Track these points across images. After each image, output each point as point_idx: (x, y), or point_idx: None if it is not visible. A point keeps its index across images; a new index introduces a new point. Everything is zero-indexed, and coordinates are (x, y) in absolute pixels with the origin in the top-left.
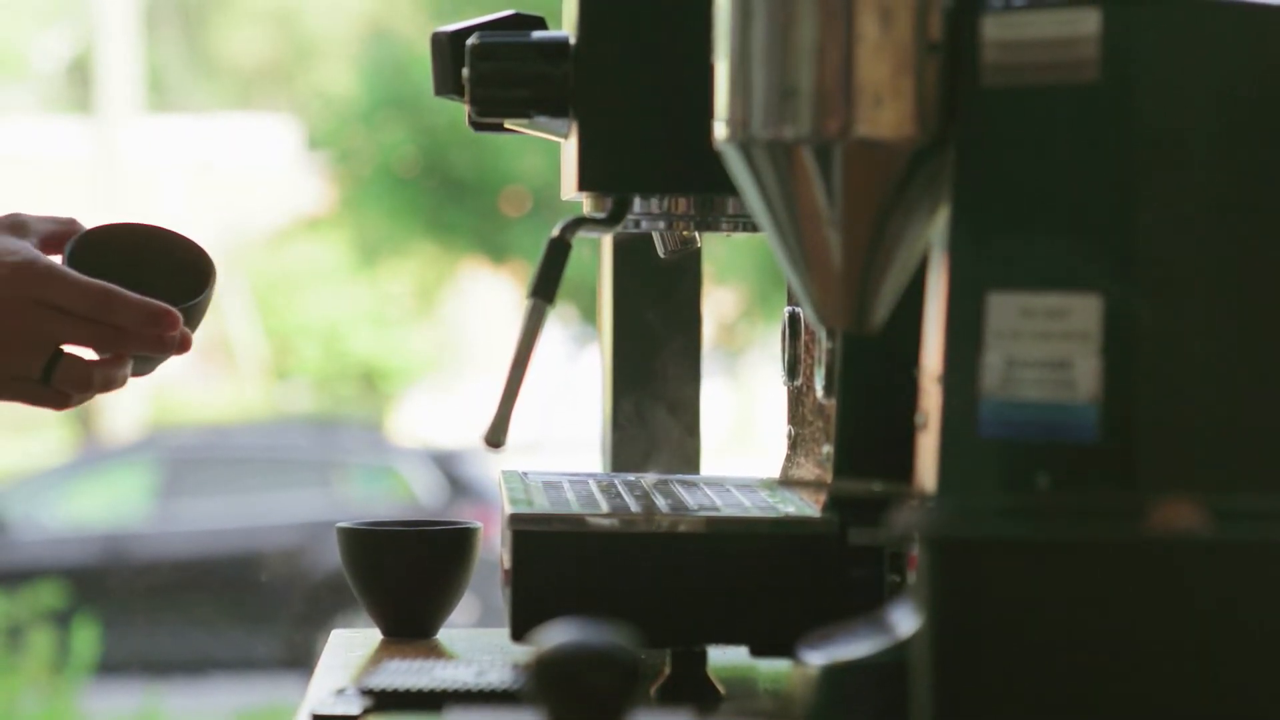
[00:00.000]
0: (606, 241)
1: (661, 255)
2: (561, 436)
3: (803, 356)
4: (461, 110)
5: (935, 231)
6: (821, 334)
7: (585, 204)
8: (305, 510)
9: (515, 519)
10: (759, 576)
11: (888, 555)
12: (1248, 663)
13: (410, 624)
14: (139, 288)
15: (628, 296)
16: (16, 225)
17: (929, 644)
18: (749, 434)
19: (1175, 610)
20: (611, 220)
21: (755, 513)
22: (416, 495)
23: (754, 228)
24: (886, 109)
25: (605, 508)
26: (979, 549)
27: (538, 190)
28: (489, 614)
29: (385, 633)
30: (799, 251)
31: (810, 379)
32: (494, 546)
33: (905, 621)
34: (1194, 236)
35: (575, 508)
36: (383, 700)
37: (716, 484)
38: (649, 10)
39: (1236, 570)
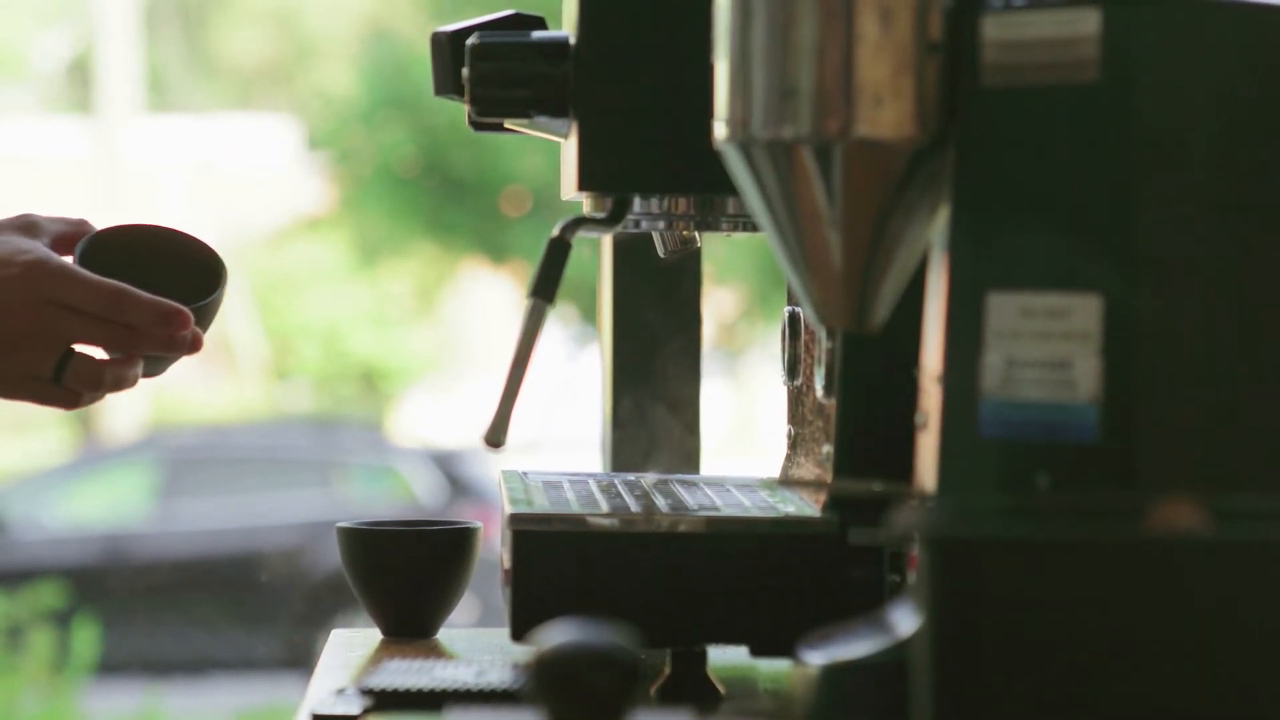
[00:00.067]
0: (606, 241)
1: (661, 255)
2: (561, 436)
3: (803, 356)
4: (461, 110)
5: (935, 231)
6: (821, 334)
7: (585, 204)
8: (305, 510)
9: (515, 519)
10: (759, 576)
11: (888, 555)
12: (1248, 663)
13: (410, 624)
14: (150, 288)
15: (628, 296)
16: (28, 226)
17: (929, 644)
18: (749, 434)
19: (1175, 610)
20: (611, 220)
21: (755, 513)
22: (416, 495)
23: (754, 228)
24: (886, 109)
25: (605, 508)
26: (979, 549)
27: (538, 190)
28: (489, 614)
29: (385, 633)
30: (799, 251)
31: (810, 379)
32: (494, 546)
33: (905, 621)
34: (1194, 236)
35: (575, 508)
36: (383, 700)
37: (716, 484)
38: (649, 10)
39: (1236, 570)
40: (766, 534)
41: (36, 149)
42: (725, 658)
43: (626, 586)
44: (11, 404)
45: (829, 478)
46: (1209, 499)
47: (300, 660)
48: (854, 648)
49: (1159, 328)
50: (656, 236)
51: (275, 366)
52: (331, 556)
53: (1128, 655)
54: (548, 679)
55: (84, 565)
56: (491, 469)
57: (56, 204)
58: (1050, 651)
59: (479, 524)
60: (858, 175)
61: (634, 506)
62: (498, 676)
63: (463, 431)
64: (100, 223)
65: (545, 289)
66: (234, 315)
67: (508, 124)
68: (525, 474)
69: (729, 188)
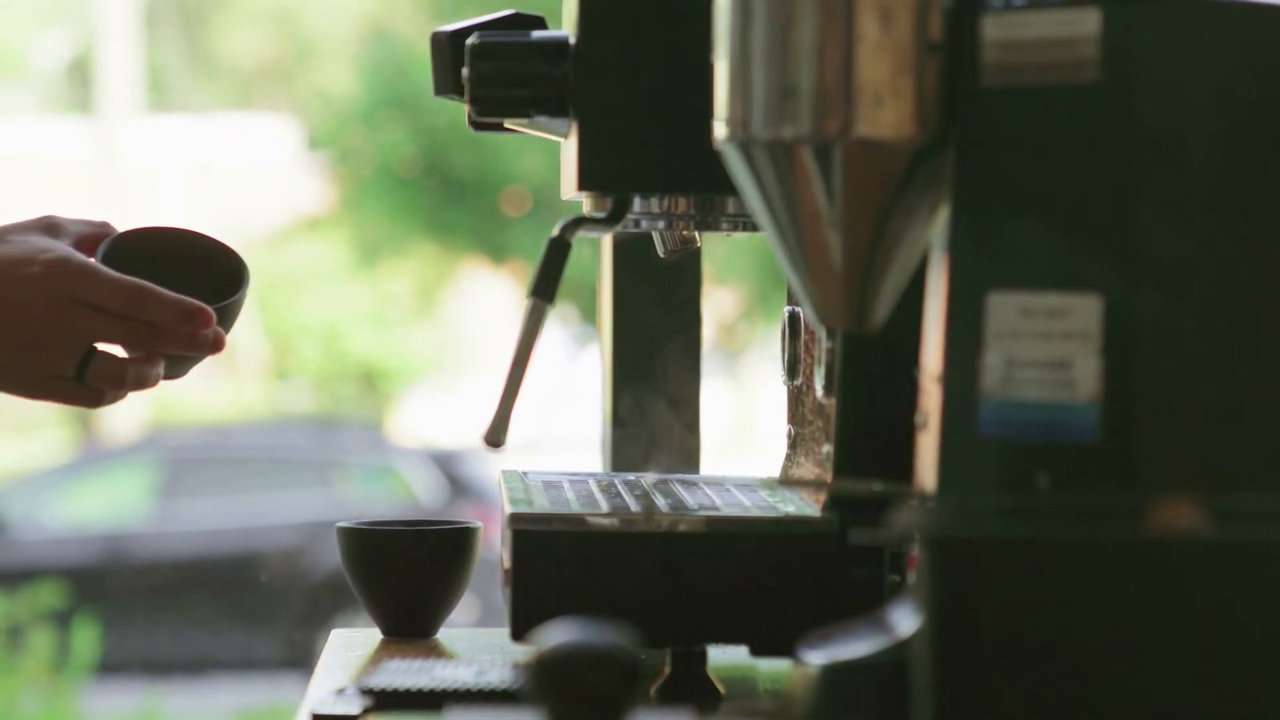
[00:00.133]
0: (606, 241)
1: (661, 255)
2: (561, 436)
3: (803, 356)
4: (461, 110)
5: (935, 231)
6: (821, 334)
7: (585, 204)
8: (305, 510)
9: (515, 519)
10: (759, 576)
11: (888, 555)
12: (1248, 663)
13: (410, 624)
14: (172, 289)
15: (628, 296)
16: (51, 227)
17: (929, 644)
18: (749, 434)
19: (1175, 610)
20: (611, 220)
21: (755, 512)
22: (416, 495)
23: (754, 228)
24: (886, 109)
25: (605, 507)
26: (979, 549)
27: (538, 190)
28: (489, 614)
29: (385, 633)
30: (799, 251)
31: (810, 379)
32: (494, 546)
33: (905, 621)
34: (1194, 236)
35: (575, 507)
36: (383, 700)
37: (716, 483)
38: (649, 10)
39: (1236, 570)
40: (766, 534)
41: (36, 149)
42: (725, 658)
43: (626, 586)
44: (12, 403)
45: (829, 478)
46: (1209, 499)
47: (300, 660)
48: (854, 648)
49: (1159, 328)
50: (656, 236)
51: (275, 366)
52: (331, 556)
53: (1128, 655)
54: (548, 679)
55: (84, 565)
56: (491, 469)
57: (56, 204)
58: (1050, 651)
59: (479, 524)
60: (858, 175)
61: (634, 506)
62: (498, 676)
63: (463, 431)
64: (128, 226)
65: (545, 289)
66: None
67: (508, 124)
68: (525, 474)
69: (729, 188)
